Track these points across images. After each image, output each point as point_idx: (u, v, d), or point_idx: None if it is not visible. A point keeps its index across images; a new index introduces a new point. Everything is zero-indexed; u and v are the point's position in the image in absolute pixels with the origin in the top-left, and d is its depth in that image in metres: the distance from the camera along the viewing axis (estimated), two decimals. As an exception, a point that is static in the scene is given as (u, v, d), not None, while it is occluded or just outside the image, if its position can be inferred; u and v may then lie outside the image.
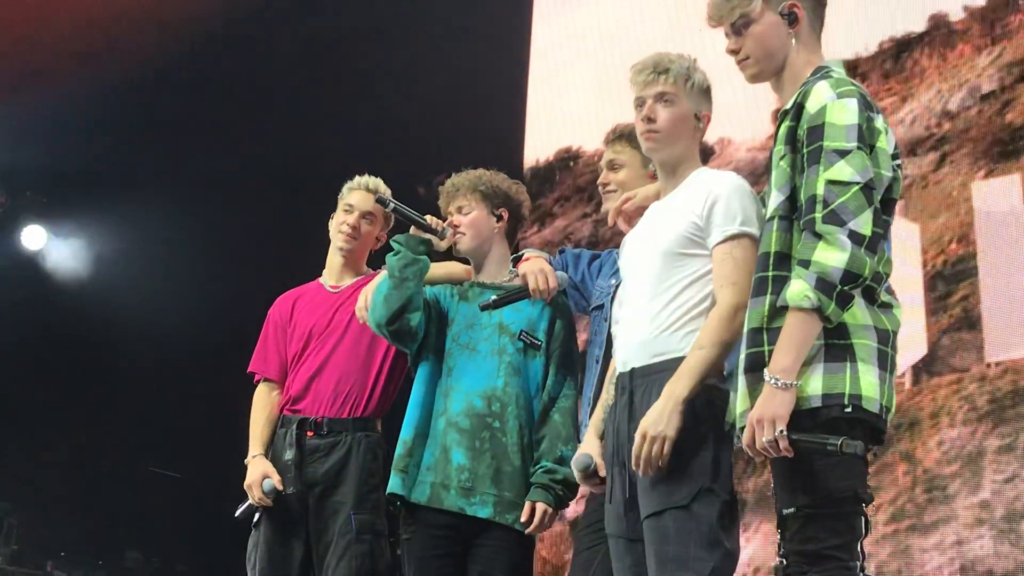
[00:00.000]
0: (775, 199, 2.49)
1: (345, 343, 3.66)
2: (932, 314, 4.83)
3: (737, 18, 2.61)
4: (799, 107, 2.48)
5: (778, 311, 2.40)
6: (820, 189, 2.37)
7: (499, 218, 3.46)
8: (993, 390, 4.63)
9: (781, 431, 2.31)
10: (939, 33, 5.18)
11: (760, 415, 2.34)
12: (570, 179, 6.66)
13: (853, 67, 5.25)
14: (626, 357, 2.79)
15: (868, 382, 2.38)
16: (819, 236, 2.35)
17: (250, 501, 3.57)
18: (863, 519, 2.40)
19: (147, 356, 7.10)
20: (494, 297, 3.25)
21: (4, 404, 6.96)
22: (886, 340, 2.44)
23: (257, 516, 3.60)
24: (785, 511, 2.39)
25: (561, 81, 6.88)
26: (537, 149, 6.87)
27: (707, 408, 2.64)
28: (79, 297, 7.55)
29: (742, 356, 2.48)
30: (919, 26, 5.21)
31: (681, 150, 2.86)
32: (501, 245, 3.48)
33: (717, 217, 2.72)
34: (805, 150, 2.43)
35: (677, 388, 2.60)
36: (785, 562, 2.41)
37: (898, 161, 2.54)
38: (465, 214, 3.43)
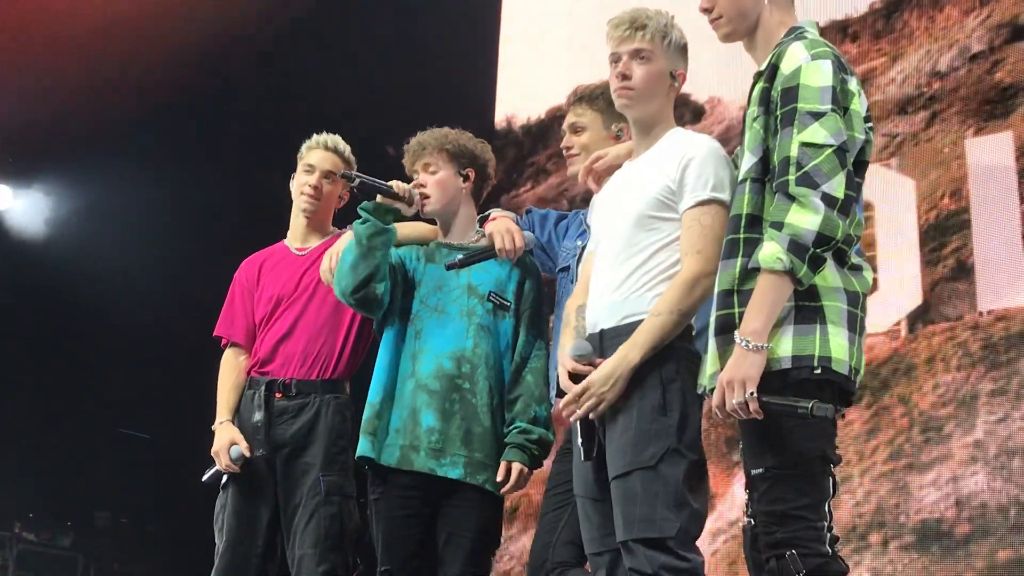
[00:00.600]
0: (747, 161, 2.48)
1: (313, 305, 3.63)
2: (927, 265, 4.92)
3: None
4: (773, 68, 2.47)
5: (749, 273, 2.40)
6: (794, 151, 2.36)
7: (466, 178, 3.43)
8: (986, 337, 4.75)
9: (752, 393, 2.31)
10: None
11: (731, 377, 2.34)
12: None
13: (844, 27, 5.32)
14: (595, 318, 2.78)
15: (838, 344, 2.39)
16: (792, 198, 2.35)
17: (217, 467, 3.56)
18: (831, 480, 2.41)
19: (116, 317, 7.06)
20: (460, 257, 3.24)
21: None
22: (856, 302, 2.44)
23: (225, 478, 3.59)
24: (753, 472, 2.40)
25: (533, 38, 6.84)
26: (509, 106, 6.83)
27: (675, 369, 2.65)
28: (46, 257, 7.49)
29: (712, 318, 2.48)
30: None
31: (655, 108, 2.83)
32: (468, 205, 3.45)
33: (689, 181, 2.71)
34: (779, 111, 2.43)
35: (631, 354, 2.62)
36: (753, 522, 2.42)
37: (870, 124, 2.54)
38: (432, 173, 3.39)
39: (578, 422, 2.70)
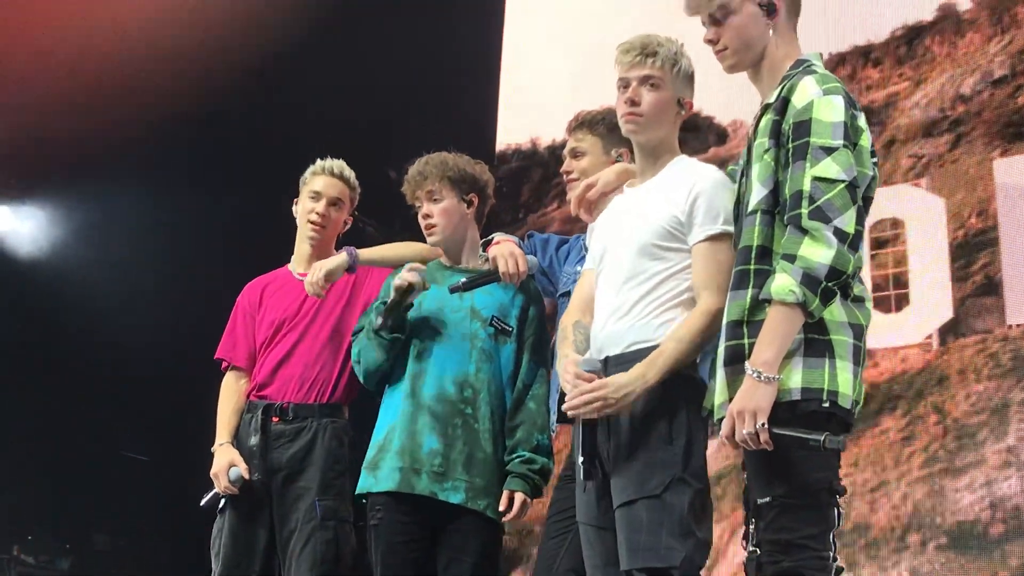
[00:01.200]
0: (758, 192, 2.49)
1: (313, 330, 3.63)
2: (956, 280, 5.03)
3: (716, 8, 2.59)
4: (784, 101, 2.48)
5: (759, 305, 2.42)
6: (806, 185, 2.38)
7: (469, 203, 3.43)
8: (1015, 349, 4.86)
9: (763, 424, 2.32)
10: (948, 22, 5.33)
11: (741, 407, 2.35)
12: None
13: (866, 52, 5.43)
14: (601, 345, 2.78)
15: (844, 378, 2.41)
16: (805, 231, 2.37)
17: (216, 490, 3.55)
18: (836, 510, 2.42)
19: (115, 337, 7.03)
20: (463, 280, 3.24)
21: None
22: (860, 335, 2.47)
23: (222, 502, 3.58)
24: (760, 500, 2.40)
25: (534, 66, 6.86)
26: (510, 133, 6.84)
27: (680, 397, 2.65)
28: (45, 278, 7.47)
29: (721, 348, 2.48)
30: (928, 15, 5.36)
31: (662, 135, 2.84)
32: (472, 229, 3.46)
33: (699, 214, 2.71)
34: (791, 145, 2.44)
35: (648, 373, 2.61)
36: (758, 551, 2.42)
37: (875, 159, 2.56)
38: (435, 201, 3.38)
39: (580, 442, 2.68)
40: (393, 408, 3.32)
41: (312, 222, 3.67)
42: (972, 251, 5.03)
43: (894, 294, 5.05)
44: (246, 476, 3.50)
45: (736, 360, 2.42)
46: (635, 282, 2.74)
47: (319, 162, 3.73)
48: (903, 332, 4.98)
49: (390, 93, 6.95)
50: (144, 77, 6.82)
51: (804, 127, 2.43)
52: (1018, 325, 4.90)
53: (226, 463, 3.52)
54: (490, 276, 3.24)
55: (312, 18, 7.02)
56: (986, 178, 5.08)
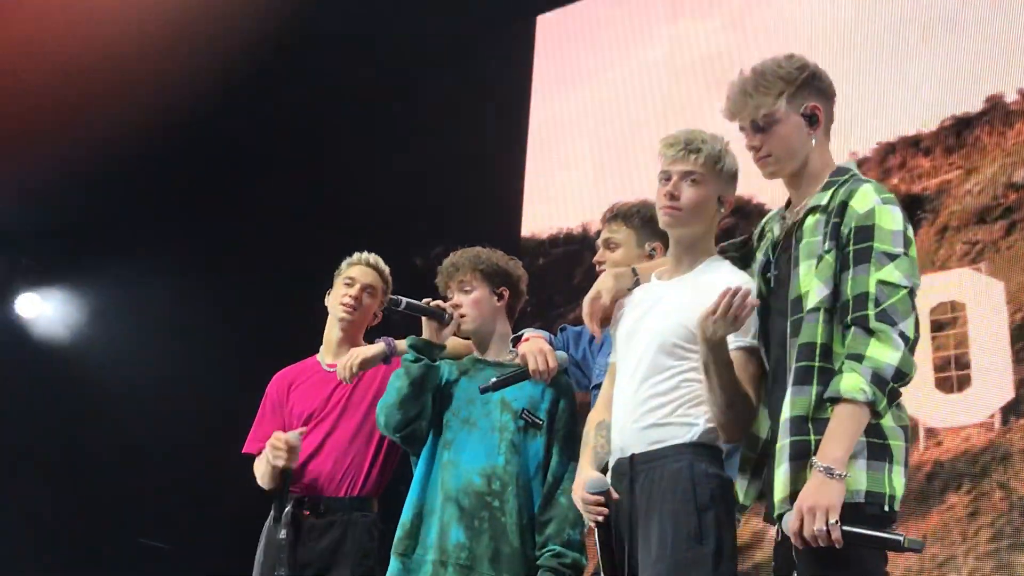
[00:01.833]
0: (820, 291, 2.51)
1: (343, 423, 3.64)
2: (1017, 362, 5.09)
3: (761, 117, 2.63)
4: (843, 204, 2.53)
5: (822, 403, 2.44)
6: (872, 287, 2.44)
7: (500, 296, 3.45)
8: None
9: (835, 522, 2.33)
10: (997, 113, 5.44)
11: (813, 504, 2.35)
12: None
13: (915, 142, 5.56)
14: (623, 443, 2.77)
15: (900, 483, 2.45)
16: (871, 333, 2.41)
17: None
18: None
19: (135, 424, 7.04)
20: (494, 379, 3.22)
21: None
22: (907, 437, 2.50)
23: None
24: None
25: (559, 156, 6.94)
26: (535, 224, 6.91)
27: (708, 496, 2.64)
28: (67, 363, 7.50)
29: (784, 442, 2.48)
30: (976, 107, 5.47)
31: (699, 232, 2.84)
32: (503, 323, 3.47)
33: None
34: (852, 247, 2.49)
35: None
36: None
37: None
38: (466, 292, 3.42)
39: (598, 548, 2.68)
40: (421, 495, 3.31)
41: (344, 304, 3.72)
42: (1032, 333, 5.15)
43: (956, 375, 5.09)
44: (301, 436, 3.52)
45: (802, 456, 2.43)
46: (657, 379, 2.74)
47: (355, 254, 3.81)
48: (966, 411, 5.04)
49: (415, 180, 7.02)
50: (169, 159, 6.90)
51: (867, 232, 2.48)
52: (1079, 406, 5.01)
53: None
54: (520, 374, 3.23)
55: (340, 110, 7.13)
56: (1042, 263, 5.20)
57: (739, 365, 2.68)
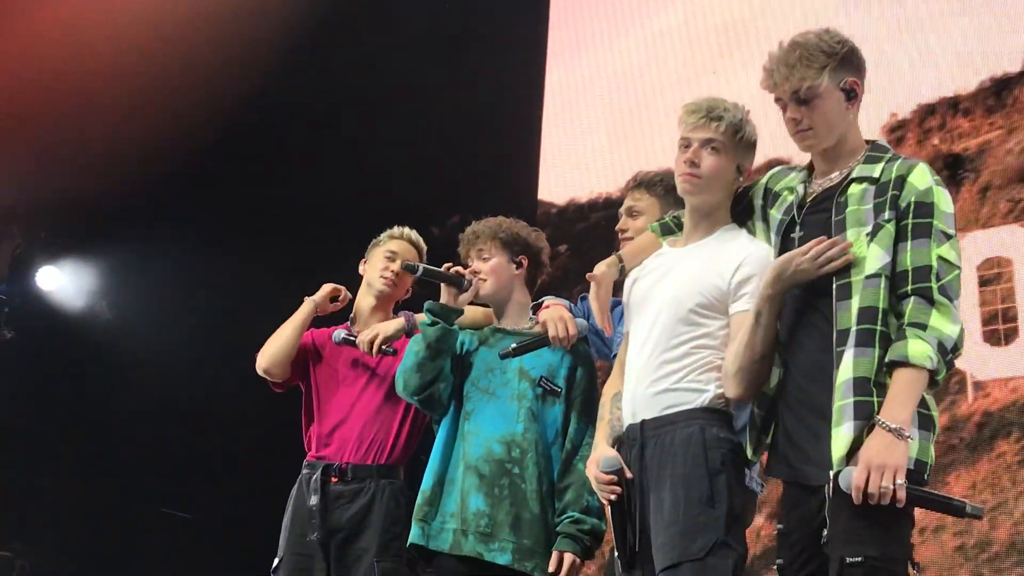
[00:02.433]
0: (881, 259, 2.55)
1: (370, 390, 3.69)
2: None
3: (804, 89, 2.65)
4: (900, 179, 2.58)
5: (882, 366, 2.49)
6: (934, 261, 2.51)
7: (519, 265, 3.48)
8: None
9: (901, 483, 2.39)
10: None
11: (883, 461, 2.40)
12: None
13: (954, 104, 5.60)
14: (634, 408, 2.80)
15: (932, 454, 2.52)
16: (933, 303, 2.48)
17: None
18: None
19: (157, 393, 7.08)
20: (514, 345, 3.25)
21: (23, 446, 6.95)
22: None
23: (277, 562, 3.61)
24: (849, 560, 2.42)
25: (575, 123, 6.93)
26: (551, 191, 6.91)
27: (720, 460, 2.67)
28: (88, 332, 7.54)
29: (848, 401, 2.50)
30: (1016, 67, 5.50)
31: (717, 200, 2.86)
32: (521, 292, 3.50)
33: (748, 287, 2.74)
34: (911, 220, 2.55)
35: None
36: None
37: None
38: (485, 260, 3.45)
39: (612, 525, 2.73)
40: (442, 464, 3.34)
41: (385, 277, 3.78)
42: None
43: (1003, 328, 5.17)
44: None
45: (867, 416, 2.47)
46: (669, 345, 2.77)
47: (396, 228, 3.88)
48: (1013, 363, 5.13)
49: (432, 150, 7.01)
50: (190, 131, 6.90)
51: (927, 208, 2.56)
52: None
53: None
54: (540, 341, 3.26)
55: (356, 79, 7.11)
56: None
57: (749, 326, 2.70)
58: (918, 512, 2.55)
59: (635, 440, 2.77)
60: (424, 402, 3.38)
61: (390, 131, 7.04)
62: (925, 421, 2.49)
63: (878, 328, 2.52)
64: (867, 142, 2.72)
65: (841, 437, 2.49)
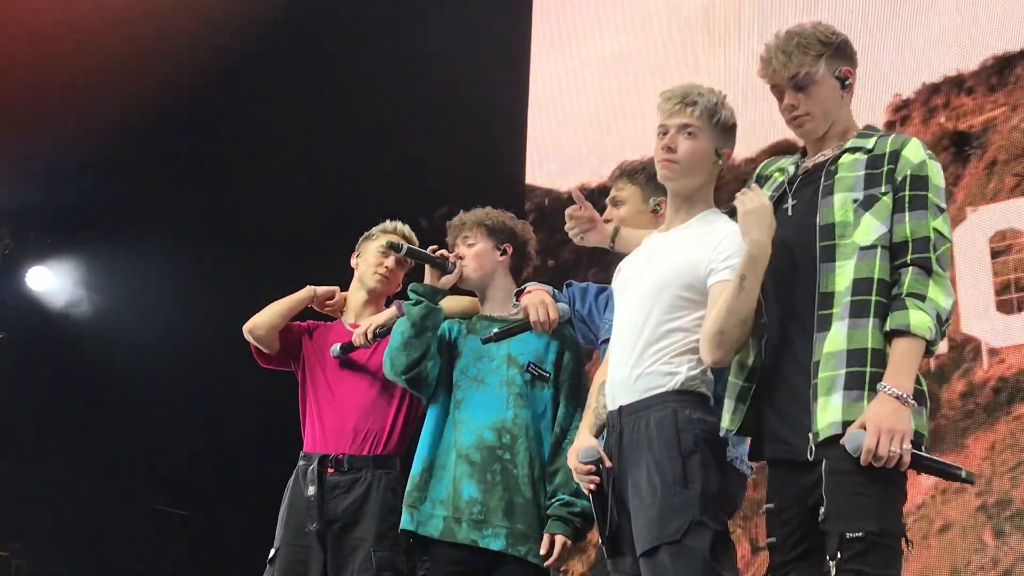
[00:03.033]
0: (879, 229, 2.59)
1: (365, 382, 3.71)
2: None
3: (802, 76, 2.70)
4: (895, 153, 2.63)
5: (880, 335, 2.53)
6: (932, 233, 2.56)
7: (503, 252, 3.52)
8: None
9: (908, 447, 2.43)
10: None
11: (892, 426, 2.44)
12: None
13: (958, 82, 5.66)
14: (614, 394, 2.82)
15: (927, 427, 2.57)
16: (931, 274, 2.53)
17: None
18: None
19: (152, 391, 7.09)
20: (495, 330, 3.28)
21: (17, 446, 6.95)
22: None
23: (273, 552, 3.63)
24: (849, 535, 2.45)
25: (560, 111, 6.94)
26: (537, 179, 6.91)
27: (692, 441, 2.68)
28: (82, 329, 7.55)
29: (840, 372, 2.53)
30: (1017, 45, 5.55)
31: (696, 184, 2.88)
32: (506, 279, 3.53)
33: (728, 263, 2.72)
34: (908, 192, 2.59)
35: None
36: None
37: None
38: (470, 246, 3.49)
39: (594, 514, 2.77)
40: (431, 451, 3.37)
41: (379, 273, 3.80)
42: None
43: (1016, 297, 5.25)
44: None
45: (858, 386, 2.51)
46: (647, 330, 2.78)
47: (389, 222, 3.89)
48: (1021, 333, 5.24)
49: (418, 140, 7.02)
50: (183, 127, 6.90)
51: (923, 182, 2.60)
52: None
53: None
54: (522, 325, 3.28)
55: (340, 72, 7.11)
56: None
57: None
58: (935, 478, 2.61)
59: (615, 426, 2.79)
60: (412, 381, 3.40)
61: (376, 124, 7.04)
62: (918, 395, 2.52)
63: (873, 298, 2.55)
64: (867, 126, 2.78)
65: (832, 407, 2.52)
